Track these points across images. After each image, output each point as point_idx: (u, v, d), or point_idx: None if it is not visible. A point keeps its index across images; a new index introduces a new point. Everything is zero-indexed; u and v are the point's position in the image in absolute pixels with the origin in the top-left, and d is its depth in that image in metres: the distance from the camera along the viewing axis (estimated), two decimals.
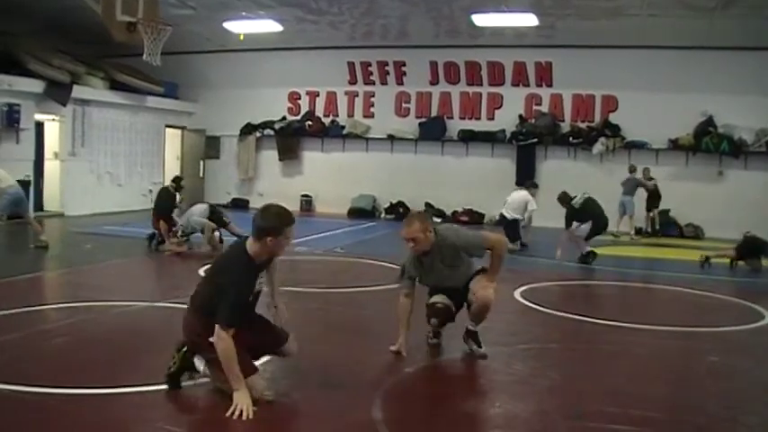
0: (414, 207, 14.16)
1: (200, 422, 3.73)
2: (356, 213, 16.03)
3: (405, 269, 4.86)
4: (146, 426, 3.55)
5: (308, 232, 11.83)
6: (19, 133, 13.01)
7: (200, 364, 3.90)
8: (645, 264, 10.70)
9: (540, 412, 3.96)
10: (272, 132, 17.09)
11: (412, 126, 16.19)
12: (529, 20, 12.78)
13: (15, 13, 13.20)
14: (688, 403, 4.22)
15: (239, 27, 14.20)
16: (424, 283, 4.92)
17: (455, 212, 15.11)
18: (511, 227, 10.82)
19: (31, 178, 13.21)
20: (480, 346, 4.86)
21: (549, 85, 15.23)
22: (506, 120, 15.48)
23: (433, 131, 15.90)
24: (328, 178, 16.71)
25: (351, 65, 16.42)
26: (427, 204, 15.12)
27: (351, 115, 16.76)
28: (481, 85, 15.71)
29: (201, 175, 18.00)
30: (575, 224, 10.11)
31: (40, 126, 13.97)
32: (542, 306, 6.69)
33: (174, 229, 9.61)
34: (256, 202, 17.10)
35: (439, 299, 4.92)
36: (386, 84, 16.35)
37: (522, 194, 11.22)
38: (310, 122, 16.81)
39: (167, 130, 17.25)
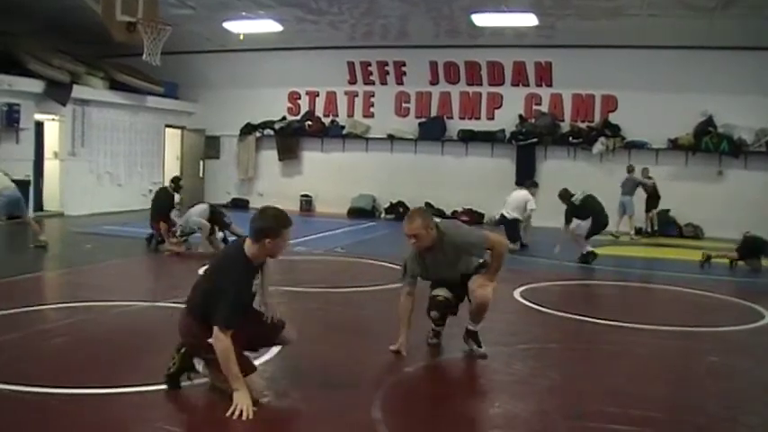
0: (414, 207, 14.14)
1: (200, 422, 3.73)
2: (356, 213, 16.04)
3: (406, 267, 4.85)
4: (145, 426, 3.55)
5: (307, 232, 11.83)
6: (19, 133, 13.01)
7: (198, 364, 3.92)
8: (645, 264, 10.70)
9: (540, 412, 3.96)
10: (271, 132, 17.08)
11: (412, 126, 16.20)
12: (529, 20, 12.78)
13: (15, 13, 13.20)
14: (688, 403, 4.22)
15: (239, 27, 14.19)
16: (426, 277, 4.91)
17: (455, 212, 15.08)
18: (511, 227, 10.84)
19: (31, 178, 13.21)
20: (480, 346, 4.86)
21: (549, 85, 15.24)
22: (506, 120, 15.49)
23: (432, 131, 15.90)
24: (328, 178, 16.71)
25: (351, 65, 16.42)
26: (427, 204, 15.04)
27: (351, 115, 16.76)
28: (481, 84, 15.72)
29: (201, 175, 18.00)
30: (575, 222, 10.12)
31: (39, 126, 13.98)
32: (542, 306, 6.69)
33: (172, 229, 9.61)
34: (256, 202, 17.09)
35: (440, 292, 4.92)
36: (386, 84, 16.35)
37: (521, 194, 11.23)
38: (310, 122, 16.81)
39: (167, 129, 17.25)
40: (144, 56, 9.89)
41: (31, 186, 13.06)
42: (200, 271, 6.81)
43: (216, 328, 3.62)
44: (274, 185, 17.16)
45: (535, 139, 15.04)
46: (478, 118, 15.82)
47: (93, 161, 15.05)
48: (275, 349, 4.75)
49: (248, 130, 17.29)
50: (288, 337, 4.16)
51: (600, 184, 12.48)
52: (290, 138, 17.03)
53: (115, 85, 15.25)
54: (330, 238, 11.96)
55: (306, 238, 11.04)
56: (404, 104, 16.38)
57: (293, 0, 13.21)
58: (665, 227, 13.95)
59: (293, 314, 4.39)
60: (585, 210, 9.94)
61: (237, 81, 16.91)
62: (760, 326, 6.24)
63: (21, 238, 10.02)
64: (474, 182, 15.26)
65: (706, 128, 13.95)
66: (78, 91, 14.18)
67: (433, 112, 16.09)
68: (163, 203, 9.99)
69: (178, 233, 9.46)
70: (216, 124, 17.57)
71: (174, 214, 9.94)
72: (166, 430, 3.52)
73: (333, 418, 3.72)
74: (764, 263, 9.49)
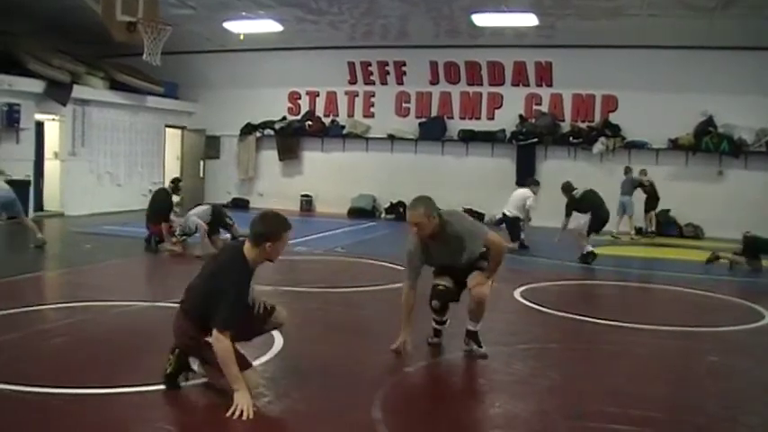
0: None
1: (201, 422, 3.72)
2: (356, 213, 16.04)
3: (409, 257, 4.80)
4: (146, 426, 3.56)
5: (307, 232, 11.84)
6: (19, 133, 13.01)
7: (194, 363, 3.95)
8: (645, 264, 10.70)
9: (540, 412, 3.96)
10: (272, 132, 17.08)
11: (412, 126, 16.20)
12: (529, 20, 12.78)
13: (15, 13, 13.20)
14: (688, 403, 4.22)
15: (239, 27, 14.19)
16: (430, 264, 4.90)
17: None
18: (512, 224, 10.91)
19: (31, 178, 13.23)
20: (480, 346, 4.86)
21: (549, 85, 15.23)
22: (506, 119, 15.48)
23: (433, 131, 15.90)
24: (328, 178, 16.71)
25: (351, 65, 16.42)
26: None
27: (351, 115, 16.76)
28: (481, 84, 15.72)
29: (201, 175, 18.00)
30: (575, 217, 10.15)
31: (40, 126, 13.98)
32: (542, 306, 6.69)
33: (171, 228, 9.61)
34: (256, 203, 17.12)
35: (441, 281, 4.91)
36: (386, 84, 16.35)
37: (522, 192, 11.27)
38: (310, 122, 16.81)
39: (167, 129, 17.25)
40: (144, 56, 9.89)
41: (31, 186, 13.08)
42: None
43: (215, 330, 3.64)
44: (275, 185, 17.17)
45: (535, 139, 15.04)
46: (479, 118, 15.82)
47: (94, 161, 15.06)
48: (275, 349, 4.77)
49: (248, 130, 17.28)
50: (278, 319, 4.19)
51: (600, 183, 12.41)
52: (291, 138, 17.03)
53: (115, 85, 15.25)
54: (330, 238, 11.96)
55: (306, 238, 11.04)
56: (404, 104, 16.38)
57: (293, 0, 13.21)
58: (666, 227, 13.95)
59: (293, 314, 4.39)
60: (585, 203, 9.98)
61: (238, 81, 16.91)
62: (760, 326, 6.25)
63: (20, 238, 10.02)
64: (474, 182, 15.26)
65: (706, 128, 13.94)
66: (78, 91, 14.18)
67: (434, 112, 16.09)
68: (160, 205, 9.97)
69: (177, 232, 9.46)
70: (216, 124, 17.57)
71: (173, 215, 9.93)
72: (167, 430, 3.52)
73: (333, 418, 3.72)
74: (765, 263, 9.48)
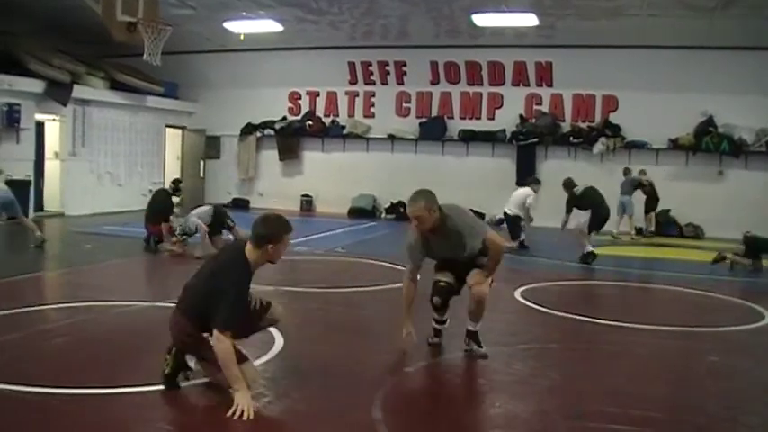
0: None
1: (201, 422, 3.73)
2: (356, 213, 16.04)
3: (410, 250, 4.78)
4: (146, 426, 3.56)
5: (308, 232, 11.84)
6: (19, 133, 13.02)
7: (191, 360, 3.97)
8: (645, 264, 10.70)
9: (540, 412, 3.96)
10: (272, 132, 17.09)
11: (412, 126, 16.20)
12: (529, 20, 12.78)
13: (15, 13, 13.21)
14: (688, 403, 4.22)
15: (239, 27, 14.19)
16: (431, 257, 4.89)
17: None
18: (513, 223, 10.94)
19: (32, 178, 13.24)
20: (481, 346, 4.87)
21: (550, 85, 15.24)
22: (507, 120, 15.49)
23: (433, 131, 15.90)
24: (328, 178, 16.71)
25: (351, 65, 16.42)
26: None
27: (351, 115, 16.77)
28: (481, 84, 15.72)
29: (202, 175, 18.00)
30: (575, 215, 10.16)
31: (40, 126, 13.98)
32: (542, 306, 6.69)
33: (171, 228, 9.61)
34: (257, 203, 17.13)
35: (443, 277, 4.91)
36: (386, 84, 16.35)
37: (524, 190, 11.30)
38: (311, 122, 16.82)
39: (167, 130, 17.26)
40: (144, 56, 9.90)
41: (31, 186, 13.09)
42: None
43: (216, 330, 3.64)
44: (275, 185, 17.17)
45: (536, 139, 15.05)
46: (479, 118, 15.83)
47: (94, 161, 15.07)
48: (275, 349, 4.77)
49: (249, 130, 17.29)
50: (274, 315, 4.19)
51: (600, 184, 12.36)
52: (291, 138, 17.03)
53: (115, 85, 15.26)
54: (330, 238, 11.96)
55: (306, 239, 11.04)
56: (404, 104, 16.38)
57: (293, 0, 13.22)
58: (666, 227, 13.95)
59: (294, 314, 4.39)
60: (585, 200, 10.00)
61: (238, 81, 16.92)
62: (760, 326, 6.24)
63: (21, 238, 10.02)
64: (474, 182, 15.25)
65: (706, 128, 13.94)
66: (79, 91, 14.19)
67: (434, 112, 16.10)
68: (160, 205, 9.97)
69: (178, 232, 9.46)
70: (216, 124, 17.57)
71: (172, 216, 9.93)
72: (167, 430, 3.53)
73: (333, 418, 3.72)
74: (765, 263, 9.48)
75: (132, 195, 15.52)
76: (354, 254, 10.01)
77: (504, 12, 12.26)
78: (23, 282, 7.21)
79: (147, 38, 9.63)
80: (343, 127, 16.70)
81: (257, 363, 4.29)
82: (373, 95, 16.57)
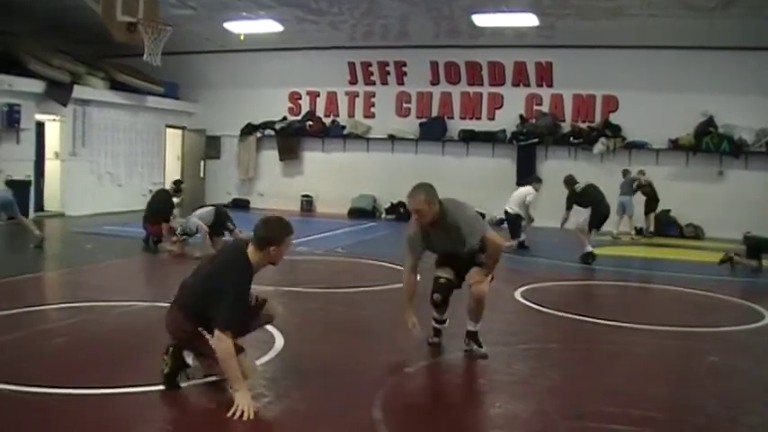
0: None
1: (201, 422, 3.72)
2: (356, 213, 16.03)
3: (410, 243, 4.77)
4: (146, 426, 3.56)
5: (308, 232, 11.83)
6: (19, 133, 13.01)
7: (188, 356, 3.97)
8: (645, 264, 10.69)
9: (540, 412, 3.96)
10: (272, 132, 17.08)
11: (412, 126, 16.20)
12: (529, 20, 12.78)
13: (15, 13, 13.21)
14: (688, 403, 4.22)
15: (239, 27, 14.20)
16: (432, 250, 4.89)
17: None
18: (513, 222, 10.97)
19: (32, 178, 13.24)
20: (481, 346, 4.87)
21: (550, 85, 15.23)
22: (507, 120, 15.48)
23: (433, 131, 15.90)
24: (329, 178, 16.71)
25: (351, 65, 16.42)
26: None
27: (351, 115, 16.76)
28: (482, 85, 15.71)
29: (202, 175, 17.99)
30: (575, 212, 10.15)
31: (40, 126, 13.98)
32: (542, 306, 6.69)
33: (171, 228, 9.61)
34: (257, 203, 17.13)
35: (443, 273, 4.90)
36: (386, 84, 16.34)
37: (524, 189, 11.31)
38: (311, 122, 16.82)
39: (168, 130, 17.25)
40: (144, 56, 9.91)
41: (31, 187, 13.09)
42: None
43: (217, 329, 3.65)
44: (275, 186, 17.17)
45: (536, 140, 15.04)
46: (479, 118, 15.82)
47: (94, 161, 15.06)
48: (276, 349, 4.77)
49: (249, 130, 17.29)
50: (271, 312, 4.20)
51: (600, 184, 12.43)
52: (291, 138, 17.03)
53: (116, 86, 15.25)
54: (331, 238, 11.96)
55: (307, 239, 11.04)
56: (404, 105, 16.38)
57: (293, 0, 13.22)
58: (666, 227, 13.94)
59: (294, 314, 4.40)
60: (585, 197, 10.02)
61: (238, 81, 16.91)
62: (760, 326, 6.25)
63: (21, 238, 10.02)
64: (475, 182, 15.22)
65: (706, 128, 13.94)
66: (79, 91, 14.19)
67: (434, 113, 16.09)
68: (160, 206, 9.97)
69: (178, 232, 9.46)
70: (216, 124, 17.57)
71: (172, 217, 9.92)
72: (167, 430, 3.53)
73: (333, 418, 3.73)
74: (765, 263, 9.48)
75: (132, 195, 15.52)
76: (354, 254, 10.02)
77: (504, 12, 12.26)
78: (23, 282, 7.21)
79: (147, 38, 9.63)
80: (344, 127, 16.70)
81: (258, 363, 4.29)
82: (373, 96, 16.57)
